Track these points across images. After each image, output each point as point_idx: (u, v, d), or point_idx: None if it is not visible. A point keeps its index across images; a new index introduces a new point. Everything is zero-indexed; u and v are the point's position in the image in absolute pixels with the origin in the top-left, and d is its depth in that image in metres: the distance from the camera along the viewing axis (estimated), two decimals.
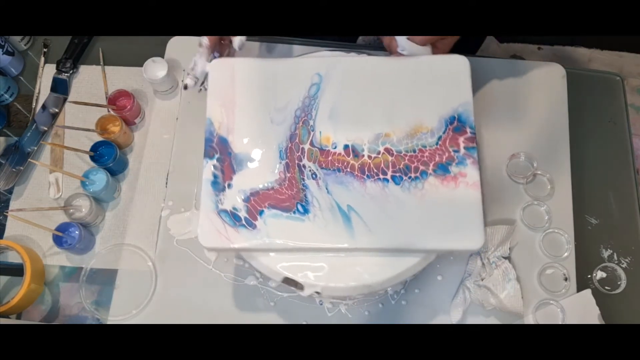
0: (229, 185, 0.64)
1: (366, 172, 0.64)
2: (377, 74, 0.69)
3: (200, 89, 0.75)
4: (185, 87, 0.70)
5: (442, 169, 0.64)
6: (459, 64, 0.68)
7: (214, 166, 0.65)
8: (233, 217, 0.63)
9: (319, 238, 0.62)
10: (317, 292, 0.64)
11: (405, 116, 0.66)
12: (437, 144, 0.65)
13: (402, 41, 0.71)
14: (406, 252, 0.63)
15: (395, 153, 0.65)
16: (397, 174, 0.64)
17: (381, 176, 0.64)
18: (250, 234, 0.62)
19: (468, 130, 0.65)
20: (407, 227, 0.62)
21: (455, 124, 0.65)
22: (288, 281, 0.64)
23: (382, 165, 0.64)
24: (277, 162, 0.65)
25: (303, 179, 0.65)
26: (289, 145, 0.66)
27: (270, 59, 0.71)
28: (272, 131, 0.67)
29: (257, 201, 0.64)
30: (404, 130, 0.66)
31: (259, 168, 0.65)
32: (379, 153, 0.65)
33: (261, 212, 0.63)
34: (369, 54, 0.73)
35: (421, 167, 0.64)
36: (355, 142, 0.66)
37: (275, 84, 0.69)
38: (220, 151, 0.66)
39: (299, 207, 0.63)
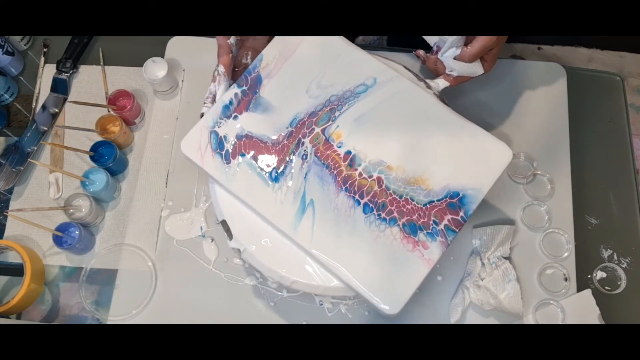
0: (235, 117, 0.67)
1: (347, 185, 0.64)
2: (422, 111, 0.67)
3: None
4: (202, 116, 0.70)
5: (412, 228, 0.62)
6: (503, 155, 0.65)
7: (236, 94, 0.68)
8: (219, 143, 0.66)
9: (268, 208, 0.63)
10: (239, 250, 0.65)
11: (417, 162, 0.64)
12: (425, 205, 0.63)
13: (449, 62, 0.69)
14: (328, 271, 0.63)
15: (383, 186, 0.64)
16: (371, 205, 0.63)
17: (357, 197, 0.63)
18: (220, 166, 0.65)
19: (461, 214, 0.62)
20: (343, 253, 0.61)
21: (455, 200, 0.63)
22: (224, 225, 0.66)
23: (365, 189, 0.64)
24: (286, 126, 0.67)
25: (294, 153, 0.65)
26: (305, 119, 0.67)
27: (346, 40, 0.71)
28: (301, 99, 0.68)
29: (246, 144, 0.66)
30: (405, 173, 0.64)
31: (268, 120, 0.67)
32: (370, 177, 0.64)
33: (242, 155, 0.66)
34: (428, 86, 0.71)
35: (395, 214, 0.62)
36: (359, 154, 0.65)
37: (332, 62, 0.69)
38: (250, 86, 0.69)
39: (273, 172, 0.65)
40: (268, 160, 0.65)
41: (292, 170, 0.65)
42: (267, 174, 0.65)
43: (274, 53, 0.70)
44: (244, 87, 0.69)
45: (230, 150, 0.66)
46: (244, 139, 0.66)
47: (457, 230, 0.62)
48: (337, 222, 0.63)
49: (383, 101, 0.67)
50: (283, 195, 0.64)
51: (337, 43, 0.70)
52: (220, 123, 0.67)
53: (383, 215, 0.63)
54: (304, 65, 0.69)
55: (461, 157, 0.65)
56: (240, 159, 0.66)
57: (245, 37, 0.72)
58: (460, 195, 0.63)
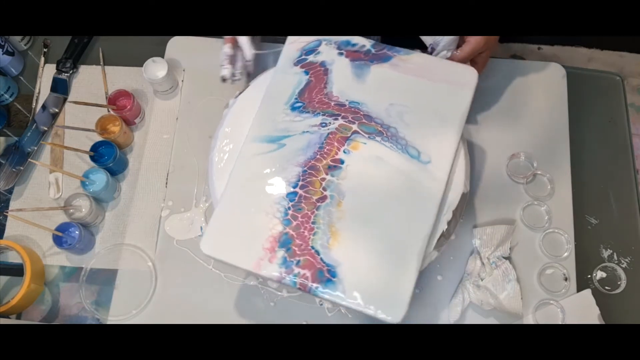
0: (340, 54, 0.70)
1: (308, 171, 0.64)
2: (413, 218, 0.63)
3: (239, 79, 0.76)
4: (224, 80, 0.75)
5: (284, 242, 0.61)
6: (393, 312, 0.59)
7: (364, 46, 0.71)
8: (311, 51, 0.71)
9: (265, 114, 0.68)
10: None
11: (355, 230, 0.62)
12: (311, 248, 0.61)
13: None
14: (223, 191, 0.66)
15: (318, 204, 0.62)
16: (296, 199, 0.63)
17: (299, 184, 0.63)
18: (290, 62, 0.71)
19: (313, 285, 0.60)
20: (240, 190, 0.64)
21: (327, 275, 0.60)
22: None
23: (309, 188, 0.63)
24: (347, 100, 0.68)
25: (324, 115, 0.67)
26: (359, 112, 0.67)
27: (464, 114, 0.67)
28: (379, 102, 0.68)
29: (318, 74, 0.70)
30: (340, 221, 0.62)
31: (347, 84, 0.69)
32: (324, 189, 0.63)
33: (306, 72, 0.70)
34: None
35: (294, 222, 0.62)
36: (344, 172, 0.64)
37: (430, 114, 0.66)
38: (376, 54, 0.70)
39: (299, 104, 0.68)
40: (309, 98, 0.68)
41: (307, 120, 0.67)
42: (295, 100, 0.68)
43: (423, 60, 0.69)
44: (374, 51, 0.70)
45: (307, 61, 0.70)
46: (322, 69, 0.70)
47: (297, 287, 0.60)
48: (271, 175, 0.64)
49: (410, 178, 0.64)
50: (280, 120, 0.67)
51: (460, 109, 0.67)
52: (330, 45, 0.71)
53: (290, 212, 0.63)
54: (417, 94, 0.67)
55: (375, 267, 0.61)
56: (302, 73, 0.69)
57: None
58: (332, 279, 0.60)
